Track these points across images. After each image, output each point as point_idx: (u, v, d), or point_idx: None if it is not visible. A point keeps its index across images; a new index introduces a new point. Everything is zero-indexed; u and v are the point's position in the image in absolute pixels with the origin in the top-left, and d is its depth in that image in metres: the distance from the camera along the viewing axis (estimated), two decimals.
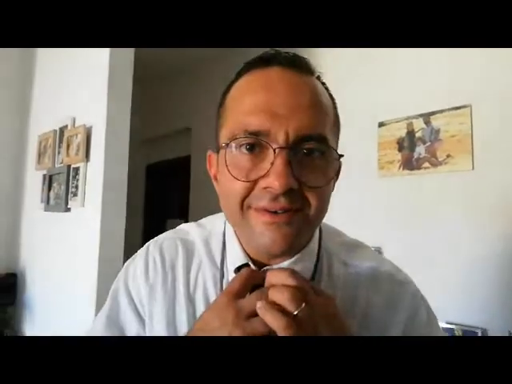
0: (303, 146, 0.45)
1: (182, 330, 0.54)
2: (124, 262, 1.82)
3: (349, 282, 0.56)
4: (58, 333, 1.93)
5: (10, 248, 2.50)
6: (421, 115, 1.84)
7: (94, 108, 1.86)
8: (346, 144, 2.19)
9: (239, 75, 0.51)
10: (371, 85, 2.04)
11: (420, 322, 0.56)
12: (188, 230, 0.64)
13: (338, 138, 0.54)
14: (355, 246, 0.61)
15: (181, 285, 0.57)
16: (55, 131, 2.14)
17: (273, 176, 0.43)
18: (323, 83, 0.53)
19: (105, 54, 1.81)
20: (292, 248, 0.48)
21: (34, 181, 2.37)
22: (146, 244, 0.65)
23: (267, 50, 0.51)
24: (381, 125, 1.97)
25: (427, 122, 1.84)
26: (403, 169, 1.88)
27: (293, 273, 0.43)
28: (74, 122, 2.01)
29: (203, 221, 0.66)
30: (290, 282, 0.42)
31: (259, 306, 0.42)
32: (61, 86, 2.20)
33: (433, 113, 1.81)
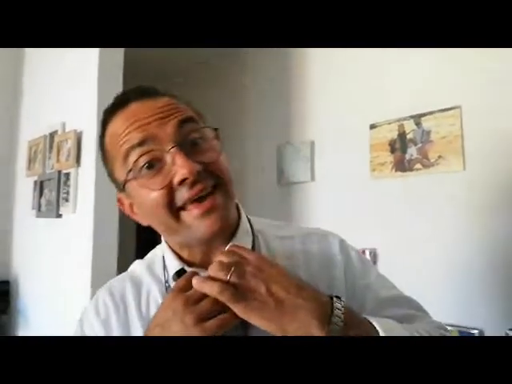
0: (186, 135, 0.53)
1: None
2: (118, 266, 1.80)
3: (286, 251, 0.62)
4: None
5: (1, 255, 2.47)
6: (411, 117, 1.86)
7: (84, 112, 1.84)
8: (339, 146, 2.22)
9: (105, 124, 0.59)
10: (362, 87, 2.05)
11: (352, 264, 0.64)
12: (134, 267, 0.69)
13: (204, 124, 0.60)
14: (284, 225, 0.69)
15: (133, 310, 0.61)
16: (45, 136, 2.12)
17: (180, 169, 0.50)
18: (173, 96, 0.60)
19: (94, 58, 1.80)
20: (226, 223, 0.54)
21: (24, 187, 2.34)
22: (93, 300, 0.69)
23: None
24: (372, 127, 1.98)
25: (418, 124, 1.85)
26: (395, 170, 1.89)
27: (223, 252, 0.52)
28: (65, 127, 1.99)
29: (147, 255, 0.71)
30: (221, 258, 0.51)
31: (195, 281, 0.49)
32: (50, 91, 2.18)
33: (423, 114, 1.82)
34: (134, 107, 0.55)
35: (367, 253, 1.91)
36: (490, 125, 1.62)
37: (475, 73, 1.67)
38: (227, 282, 0.47)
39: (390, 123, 1.93)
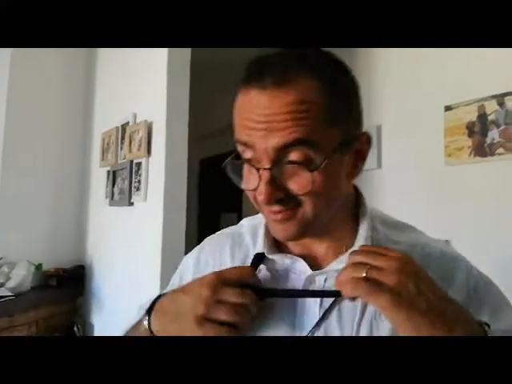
0: (285, 158, 0.47)
1: None
2: (185, 253, 1.86)
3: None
4: (123, 321, 2.01)
5: (77, 242, 2.64)
6: (493, 96, 1.70)
7: (154, 104, 1.90)
8: (409, 130, 2.10)
9: (237, 91, 0.54)
10: (435, 65, 1.91)
11: (480, 291, 0.55)
12: (243, 222, 0.69)
13: (346, 128, 0.51)
14: (404, 226, 0.62)
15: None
16: (117, 128, 2.22)
17: (259, 192, 0.49)
18: (322, 77, 0.48)
19: (163, 53, 1.85)
20: (299, 234, 0.52)
21: (98, 177, 2.48)
22: (202, 243, 0.71)
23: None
24: (447, 109, 1.85)
25: (501, 104, 1.70)
26: (474, 155, 1.75)
27: (356, 252, 0.50)
28: (136, 118, 2.07)
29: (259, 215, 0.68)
30: (355, 257, 0.48)
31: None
32: (122, 84, 2.27)
33: (508, 93, 1.66)
34: (257, 97, 0.47)
35: None
36: None
37: None
38: (364, 278, 0.45)
39: (468, 104, 1.79)
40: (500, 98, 1.69)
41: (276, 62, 0.49)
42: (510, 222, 1.60)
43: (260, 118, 0.47)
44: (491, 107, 1.72)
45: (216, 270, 0.57)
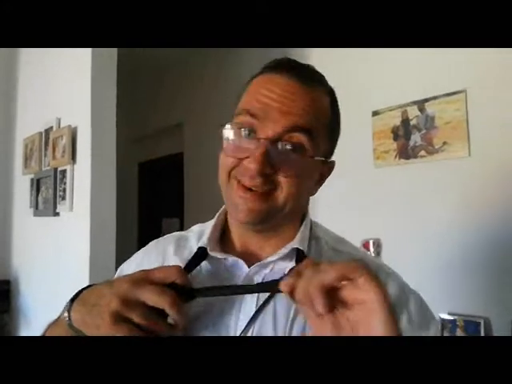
0: (287, 137, 0.53)
1: None
2: (116, 262, 1.78)
3: (333, 257, 0.60)
4: None
5: (1, 254, 2.46)
6: (414, 102, 1.79)
7: (78, 108, 1.81)
8: (342, 134, 2.14)
9: (255, 76, 0.59)
10: (363, 72, 1.98)
11: (410, 318, 0.57)
12: (193, 227, 0.70)
13: (330, 147, 0.61)
14: (344, 241, 0.66)
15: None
16: (40, 133, 2.09)
17: (252, 160, 0.52)
18: (332, 96, 0.61)
19: (87, 53, 1.76)
20: (261, 218, 0.54)
21: (22, 185, 2.32)
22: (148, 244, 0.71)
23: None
24: (375, 114, 1.92)
25: (422, 110, 1.79)
26: (399, 158, 1.83)
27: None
28: (60, 122, 1.95)
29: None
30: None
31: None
32: (45, 87, 2.14)
33: (427, 100, 1.76)
34: (285, 83, 0.54)
35: (371, 243, 1.87)
36: (495, 109, 1.56)
37: (480, 56, 1.60)
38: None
39: (392, 109, 1.87)
40: (420, 104, 1.79)
41: (304, 66, 0.59)
42: (433, 220, 1.70)
43: (283, 95, 0.53)
44: (413, 112, 1.81)
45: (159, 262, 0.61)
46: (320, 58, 2.15)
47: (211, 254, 0.58)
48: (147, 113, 3.41)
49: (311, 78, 0.56)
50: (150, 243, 0.70)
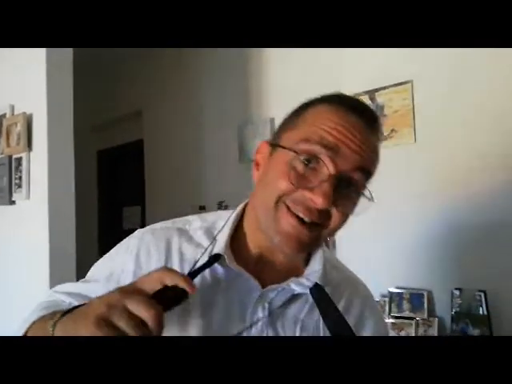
0: (352, 174, 0.53)
1: None
2: (77, 252, 1.76)
3: (340, 283, 0.66)
4: (13, 329, 1.87)
5: None
6: (366, 92, 1.90)
7: (33, 95, 1.77)
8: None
9: (313, 103, 0.58)
10: (317, 63, 2.06)
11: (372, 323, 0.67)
12: (192, 220, 0.67)
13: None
14: (340, 264, 0.72)
15: (177, 263, 0.61)
16: None
17: (319, 193, 0.51)
18: (378, 134, 0.60)
19: None
20: (303, 250, 0.57)
21: None
22: (139, 232, 0.67)
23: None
24: None
25: (372, 99, 1.89)
26: None
27: None
28: (13, 110, 1.90)
29: (204, 215, 0.69)
30: None
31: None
32: None
33: (377, 89, 1.86)
34: (355, 121, 0.54)
35: None
36: (440, 98, 1.69)
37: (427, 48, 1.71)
38: None
39: None
40: (371, 94, 1.89)
41: (368, 107, 0.59)
42: (383, 203, 1.81)
43: (354, 134, 0.53)
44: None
45: (161, 264, 0.59)
46: (279, 52, 2.22)
47: (231, 265, 0.58)
48: (106, 101, 3.34)
49: (375, 122, 0.57)
50: (145, 235, 0.65)
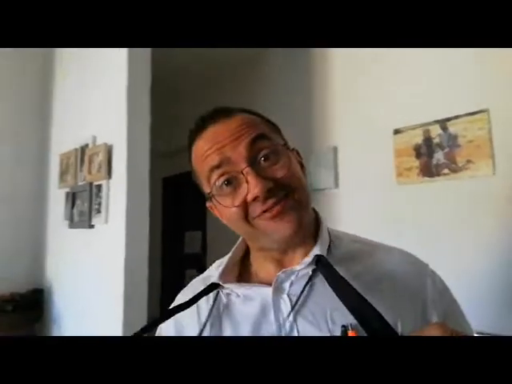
0: (258, 156, 0.58)
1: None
2: (148, 275, 1.82)
3: (366, 252, 0.65)
4: None
5: (35, 264, 2.55)
6: (437, 121, 1.84)
7: (114, 126, 1.91)
8: (362, 152, 2.20)
9: (190, 144, 0.65)
10: (385, 90, 2.04)
11: (438, 289, 0.63)
12: (212, 265, 0.74)
13: (281, 137, 0.66)
14: (364, 239, 0.71)
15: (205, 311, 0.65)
16: (76, 150, 2.20)
17: (252, 188, 0.55)
18: (248, 111, 0.65)
19: (123, 71, 1.86)
20: (299, 226, 0.57)
21: (56, 198, 2.42)
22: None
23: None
24: (396, 132, 1.97)
25: (444, 128, 1.83)
26: (422, 175, 1.87)
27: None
28: (95, 140, 2.06)
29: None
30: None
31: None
32: (80, 105, 2.26)
33: (448, 119, 1.80)
34: (211, 131, 0.60)
35: None
36: None
37: (503, 74, 1.65)
38: None
39: (414, 128, 1.92)
40: (443, 123, 1.83)
41: (217, 111, 0.63)
42: (455, 238, 1.72)
43: (225, 136, 0.58)
44: (435, 131, 1.85)
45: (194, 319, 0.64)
46: (343, 76, 2.23)
47: (224, 285, 0.62)
48: (171, 128, 3.53)
49: (231, 111, 0.62)
50: (180, 295, 0.72)
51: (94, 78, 2.14)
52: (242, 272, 0.67)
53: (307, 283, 0.58)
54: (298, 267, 0.59)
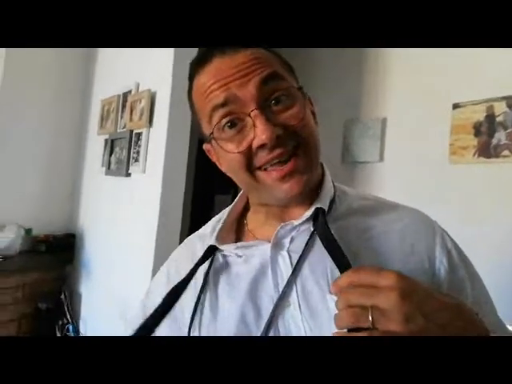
0: (269, 94, 0.51)
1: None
2: (181, 231, 1.81)
3: (372, 208, 0.60)
4: (112, 293, 1.99)
5: (70, 209, 2.60)
6: (504, 98, 1.69)
7: (158, 73, 1.85)
8: (415, 125, 2.07)
9: (192, 77, 0.57)
10: (446, 61, 1.88)
11: (446, 249, 0.58)
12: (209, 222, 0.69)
13: (295, 79, 0.58)
14: (371, 196, 0.65)
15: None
16: (119, 96, 2.16)
17: (259, 133, 0.49)
18: (260, 49, 0.56)
19: None
20: (307, 187, 0.53)
21: (95, 145, 2.42)
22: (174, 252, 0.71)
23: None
24: (455, 106, 1.83)
25: (510, 106, 1.68)
26: (479, 155, 1.74)
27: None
28: (138, 87, 2.01)
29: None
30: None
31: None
32: (124, 51, 2.20)
33: None
34: (217, 63, 0.53)
35: None
36: None
37: None
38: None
39: (476, 103, 1.77)
40: (510, 100, 1.68)
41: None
42: (506, 224, 1.61)
43: (232, 72, 0.51)
44: (500, 108, 1.71)
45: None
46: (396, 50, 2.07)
47: (221, 247, 0.58)
48: None
49: (233, 48, 0.54)
50: (178, 248, 0.70)
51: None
52: (238, 231, 0.62)
53: (309, 240, 0.54)
54: (296, 222, 0.55)
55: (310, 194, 0.57)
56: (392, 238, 0.56)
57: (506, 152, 1.67)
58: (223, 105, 0.51)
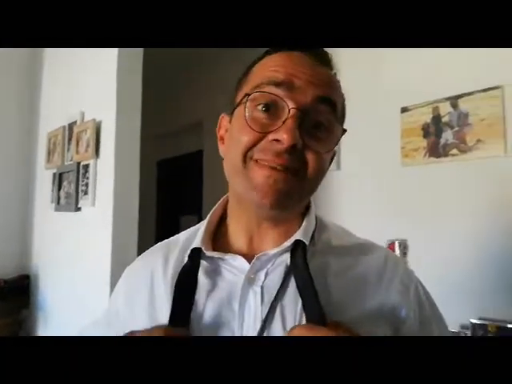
0: (315, 111, 0.50)
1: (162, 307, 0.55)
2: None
3: (343, 249, 0.59)
4: (71, 333, 1.88)
5: (21, 249, 2.46)
6: (447, 98, 1.73)
7: (103, 102, 1.79)
8: (367, 131, 2.09)
9: (265, 55, 0.56)
10: (391, 67, 1.92)
11: (418, 299, 0.59)
12: (178, 236, 0.66)
13: (342, 126, 0.57)
14: (353, 234, 0.64)
15: (160, 272, 0.59)
16: (64, 127, 2.08)
17: (283, 130, 0.48)
18: (331, 66, 0.58)
19: (113, 49, 1.74)
20: (285, 202, 0.51)
21: (44, 180, 2.31)
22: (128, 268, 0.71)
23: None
24: (404, 110, 1.86)
25: (455, 106, 1.72)
26: (429, 156, 1.77)
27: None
28: (84, 116, 1.94)
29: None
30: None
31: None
32: (70, 81, 2.13)
33: (461, 95, 1.69)
34: (301, 57, 0.53)
35: (397, 244, 1.81)
36: None
37: None
38: None
39: (423, 106, 1.81)
40: (454, 100, 1.72)
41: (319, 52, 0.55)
42: (463, 222, 1.63)
43: (304, 69, 0.51)
44: (445, 109, 1.74)
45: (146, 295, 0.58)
46: (344, 55, 2.10)
47: (208, 253, 0.55)
48: (167, 111, 3.40)
49: (323, 55, 0.55)
50: (136, 261, 0.68)
51: (84, 52, 2.01)
52: (215, 240, 0.60)
53: (284, 279, 0.52)
54: (274, 251, 0.53)
55: (290, 221, 0.56)
56: (369, 280, 0.56)
57: (454, 151, 1.70)
58: (277, 84, 0.50)
